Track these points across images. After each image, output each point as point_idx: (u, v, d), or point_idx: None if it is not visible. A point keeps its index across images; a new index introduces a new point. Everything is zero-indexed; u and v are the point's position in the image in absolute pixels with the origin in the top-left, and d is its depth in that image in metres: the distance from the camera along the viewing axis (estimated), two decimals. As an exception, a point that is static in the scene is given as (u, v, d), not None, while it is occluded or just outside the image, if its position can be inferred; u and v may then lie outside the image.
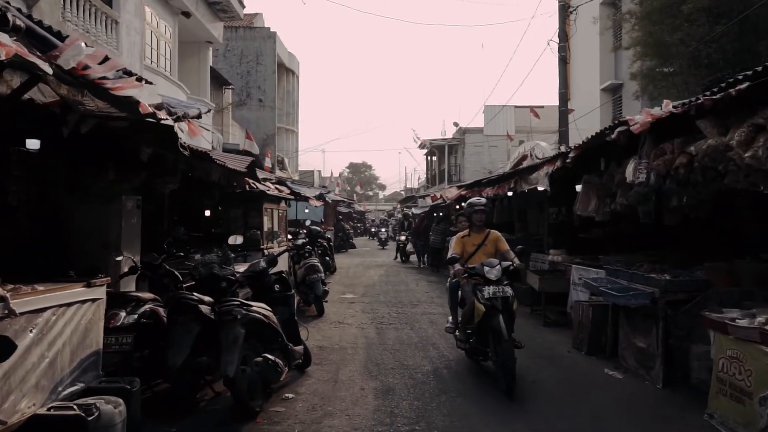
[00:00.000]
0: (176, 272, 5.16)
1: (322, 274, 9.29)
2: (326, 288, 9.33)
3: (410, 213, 25.37)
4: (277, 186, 11.03)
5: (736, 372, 3.85)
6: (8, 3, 2.45)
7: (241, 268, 5.57)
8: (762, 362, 3.62)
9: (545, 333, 7.55)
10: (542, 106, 21.88)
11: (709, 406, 4.18)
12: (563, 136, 12.32)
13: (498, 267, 5.23)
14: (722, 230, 6.07)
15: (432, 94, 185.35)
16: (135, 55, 11.19)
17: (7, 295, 2.90)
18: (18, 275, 3.36)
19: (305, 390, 5.02)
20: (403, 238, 20.87)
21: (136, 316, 4.32)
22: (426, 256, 17.96)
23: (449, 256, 5.82)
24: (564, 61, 12.41)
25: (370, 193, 78.13)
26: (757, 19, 9.04)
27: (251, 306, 4.50)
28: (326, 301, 9.26)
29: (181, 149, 3.72)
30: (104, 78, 2.59)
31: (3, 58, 2.09)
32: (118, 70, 2.65)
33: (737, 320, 3.95)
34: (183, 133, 3.61)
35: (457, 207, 16.61)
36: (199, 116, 4.16)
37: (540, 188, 7.93)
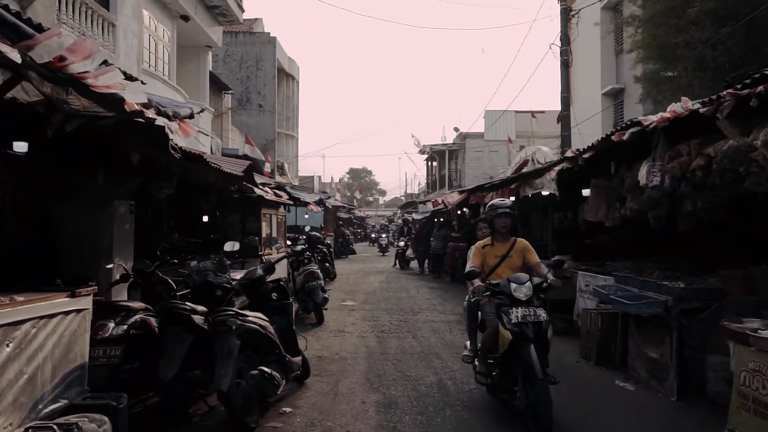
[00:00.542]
0: (170, 280, 5.00)
1: (322, 281, 9.13)
2: (326, 295, 9.15)
3: (410, 218, 25.10)
4: (276, 191, 10.85)
5: (760, 386, 3.64)
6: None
7: (238, 275, 5.38)
8: (788, 376, 3.42)
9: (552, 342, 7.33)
10: (543, 111, 21.75)
11: (729, 422, 3.96)
12: (566, 140, 12.18)
13: (528, 284, 4.30)
14: (736, 235, 5.88)
15: (432, 99, 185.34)
16: (132, 58, 11.05)
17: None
18: (0, 284, 3.16)
19: (303, 403, 4.82)
20: (402, 243, 20.27)
21: (125, 327, 4.14)
22: (427, 262, 17.70)
23: (467, 269, 4.76)
24: (566, 65, 12.32)
25: (371, 198, 77.99)
26: (764, 21, 8.88)
27: (247, 316, 4.32)
28: (326, 309, 9.06)
29: (172, 151, 3.52)
30: (86, 72, 2.40)
31: None
32: (94, 61, 2.44)
33: (759, 331, 3.74)
34: (173, 133, 3.41)
35: (459, 213, 16.52)
36: (191, 116, 3.97)
37: (546, 192, 7.74)
